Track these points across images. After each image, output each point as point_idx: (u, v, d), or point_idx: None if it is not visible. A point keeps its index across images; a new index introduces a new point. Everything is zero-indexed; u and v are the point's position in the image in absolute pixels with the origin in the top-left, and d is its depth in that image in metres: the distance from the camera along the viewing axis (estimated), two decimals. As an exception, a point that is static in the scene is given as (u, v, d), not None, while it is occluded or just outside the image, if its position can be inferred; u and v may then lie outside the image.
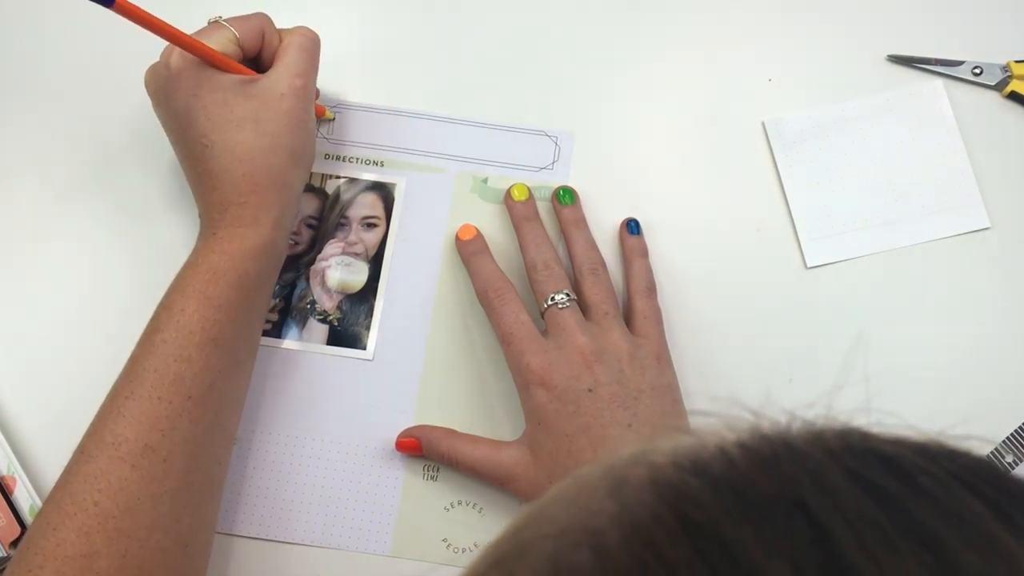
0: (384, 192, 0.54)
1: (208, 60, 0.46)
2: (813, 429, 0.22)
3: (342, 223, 0.54)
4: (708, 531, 0.19)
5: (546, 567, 0.20)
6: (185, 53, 0.46)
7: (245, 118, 0.46)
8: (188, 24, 0.47)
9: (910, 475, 0.20)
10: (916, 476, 0.20)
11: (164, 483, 0.42)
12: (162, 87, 0.47)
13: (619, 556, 0.19)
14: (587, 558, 0.19)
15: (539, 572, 0.20)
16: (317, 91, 0.52)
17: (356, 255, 0.54)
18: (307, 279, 0.53)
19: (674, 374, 0.49)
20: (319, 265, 0.53)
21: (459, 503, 0.50)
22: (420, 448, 0.49)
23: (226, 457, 0.47)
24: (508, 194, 0.53)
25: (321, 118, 0.54)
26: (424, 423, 0.51)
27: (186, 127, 0.46)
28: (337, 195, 0.54)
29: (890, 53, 0.56)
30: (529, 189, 0.53)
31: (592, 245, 0.51)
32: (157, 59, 0.48)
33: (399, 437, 0.50)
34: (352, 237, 0.54)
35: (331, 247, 0.54)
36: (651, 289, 0.51)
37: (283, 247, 0.49)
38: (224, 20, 0.48)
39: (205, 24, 0.48)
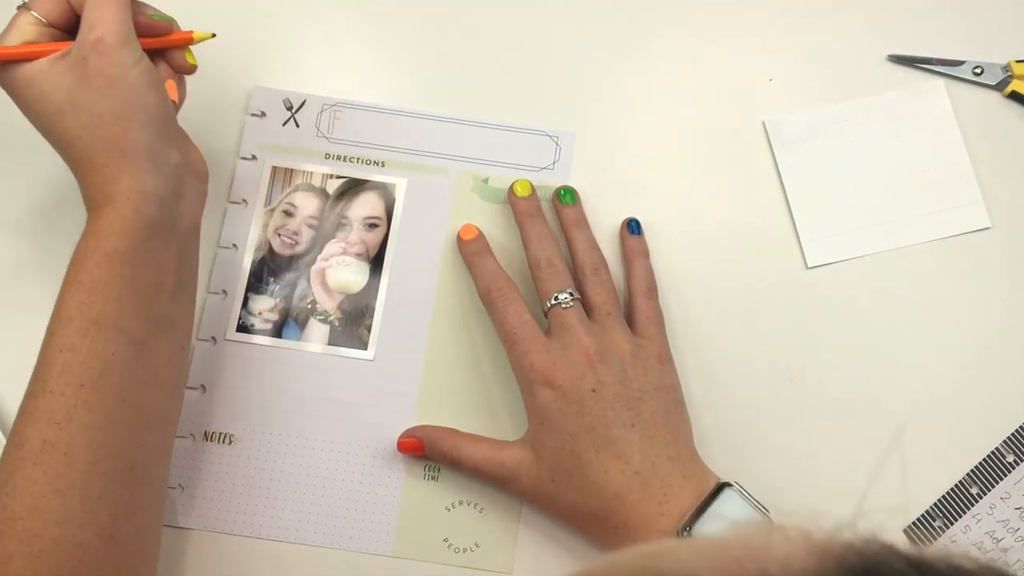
0: (385, 192, 0.54)
1: (12, 60, 0.44)
2: (916, 557, 0.22)
3: (343, 223, 0.54)
4: None
5: None
6: None
7: (63, 101, 0.43)
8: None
9: None
10: None
11: (69, 477, 0.40)
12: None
13: None
14: None
15: None
16: (169, 23, 0.47)
17: (357, 255, 0.54)
18: (308, 279, 0.53)
19: (676, 375, 0.49)
20: (320, 265, 0.53)
21: (460, 503, 0.50)
22: (422, 448, 0.49)
23: (157, 441, 0.45)
24: (511, 190, 0.53)
25: (185, 44, 0.47)
26: (425, 423, 0.51)
27: (38, 129, 0.45)
28: (338, 195, 0.54)
29: (890, 53, 0.56)
30: (532, 185, 0.53)
31: (593, 245, 0.51)
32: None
33: (400, 438, 0.50)
34: (353, 237, 0.54)
35: (332, 247, 0.54)
36: (652, 290, 0.51)
37: (163, 216, 0.45)
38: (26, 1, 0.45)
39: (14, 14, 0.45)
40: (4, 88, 0.44)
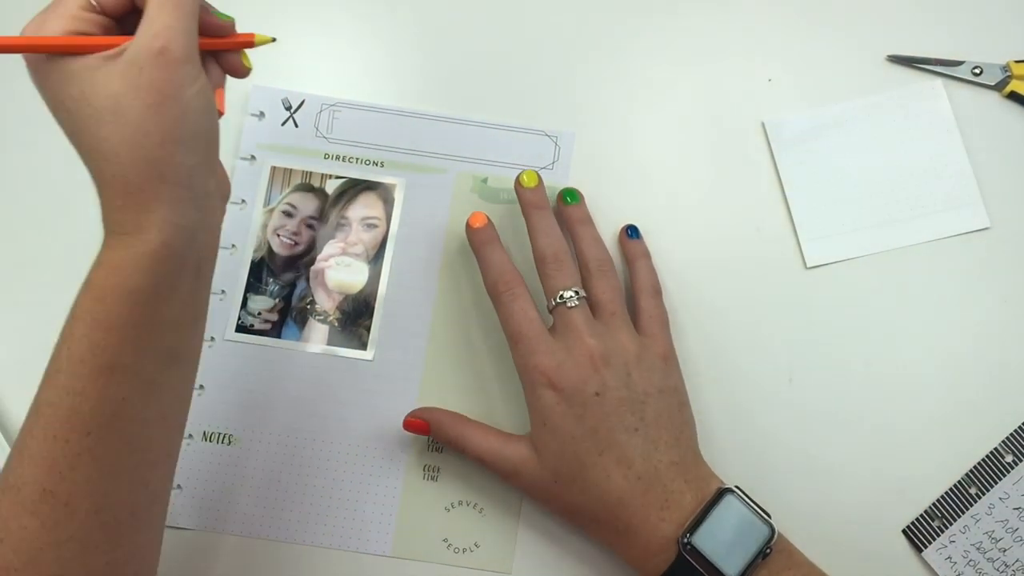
0: (384, 192, 0.54)
1: (53, 51, 0.37)
2: None
3: (342, 223, 0.54)
4: None
5: None
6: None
7: (104, 108, 0.37)
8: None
9: None
10: None
11: (68, 528, 0.37)
12: (38, 90, 0.39)
13: None
14: None
15: None
16: (231, 23, 0.42)
17: (356, 255, 0.54)
18: (307, 279, 0.53)
19: (680, 376, 0.49)
20: (319, 265, 0.53)
21: (460, 503, 0.50)
22: (428, 430, 0.49)
23: (160, 478, 0.42)
24: (517, 181, 0.52)
25: (245, 47, 0.43)
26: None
27: (64, 129, 0.39)
28: (337, 195, 0.54)
29: (890, 53, 0.56)
30: (539, 176, 0.52)
31: (599, 242, 0.51)
32: None
33: (408, 416, 0.49)
34: (352, 237, 0.54)
35: (331, 247, 0.54)
36: (656, 290, 0.51)
37: (190, 250, 0.40)
38: None
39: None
40: (37, 83, 0.38)
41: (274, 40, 0.43)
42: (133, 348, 0.38)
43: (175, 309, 0.40)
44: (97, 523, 0.38)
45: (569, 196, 0.53)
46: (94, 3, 0.38)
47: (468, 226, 0.51)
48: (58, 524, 0.37)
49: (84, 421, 0.37)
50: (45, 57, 0.37)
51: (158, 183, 0.38)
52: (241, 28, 0.51)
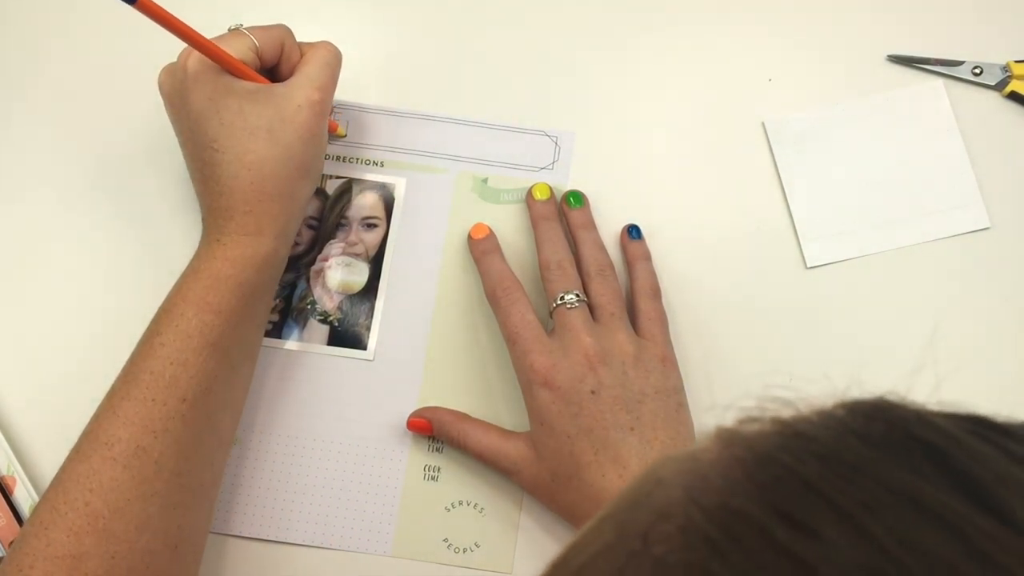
0: (384, 192, 0.54)
1: (226, 66, 0.46)
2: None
3: (342, 223, 0.54)
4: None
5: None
6: (203, 57, 0.46)
7: (258, 127, 0.46)
8: (209, 30, 0.47)
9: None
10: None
11: (154, 484, 0.42)
12: (177, 89, 0.46)
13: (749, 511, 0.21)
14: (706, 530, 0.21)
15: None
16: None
17: (356, 255, 0.54)
18: (307, 279, 0.53)
19: (679, 377, 0.49)
20: (319, 265, 0.53)
21: (460, 503, 0.50)
22: (431, 429, 0.50)
23: (221, 460, 0.47)
24: (529, 193, 0.53)
25: (333, 134, 0.54)
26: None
27: (198, 131, 0.46)
28: (337, 195, 0.54)
29: (890, 53, 0.56)
30: (551, 189, 0.53)
31: (600, 247, 0.51)
32: (168, 61, 0.48)
33: (411, 416, 0.50)
34: (352, 237, 0.54)
35: (331, 247, 0.54)
36: (655, 291, 0.51)
37: (284, 257, 0.49)
38: (245, 28, 0.48)
39: (226, 31, 0.48)
40: (204, 87, 0.45)
41: (344, 136, 0.55)
42: (232, 332, 0.45)
43: (263, 307, 0.48)
44: (178, 484, 0.43)
45: (573, 199, 0.53)
46: (258, 48, 0.47)
47: (470, 237, 0.52)
48: (146, 479, 0.42)
49: (182, 388, 0.43)
50: (218, 69, 0.46)
51: (287, 199, 0.47)
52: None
